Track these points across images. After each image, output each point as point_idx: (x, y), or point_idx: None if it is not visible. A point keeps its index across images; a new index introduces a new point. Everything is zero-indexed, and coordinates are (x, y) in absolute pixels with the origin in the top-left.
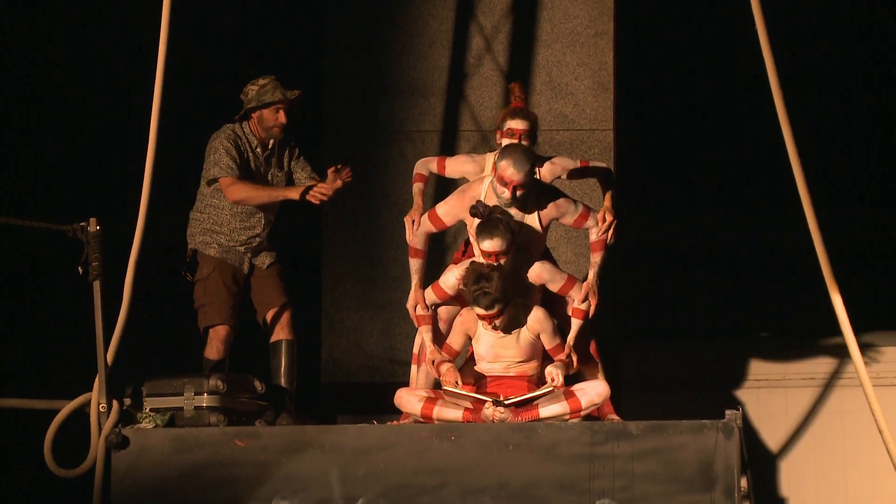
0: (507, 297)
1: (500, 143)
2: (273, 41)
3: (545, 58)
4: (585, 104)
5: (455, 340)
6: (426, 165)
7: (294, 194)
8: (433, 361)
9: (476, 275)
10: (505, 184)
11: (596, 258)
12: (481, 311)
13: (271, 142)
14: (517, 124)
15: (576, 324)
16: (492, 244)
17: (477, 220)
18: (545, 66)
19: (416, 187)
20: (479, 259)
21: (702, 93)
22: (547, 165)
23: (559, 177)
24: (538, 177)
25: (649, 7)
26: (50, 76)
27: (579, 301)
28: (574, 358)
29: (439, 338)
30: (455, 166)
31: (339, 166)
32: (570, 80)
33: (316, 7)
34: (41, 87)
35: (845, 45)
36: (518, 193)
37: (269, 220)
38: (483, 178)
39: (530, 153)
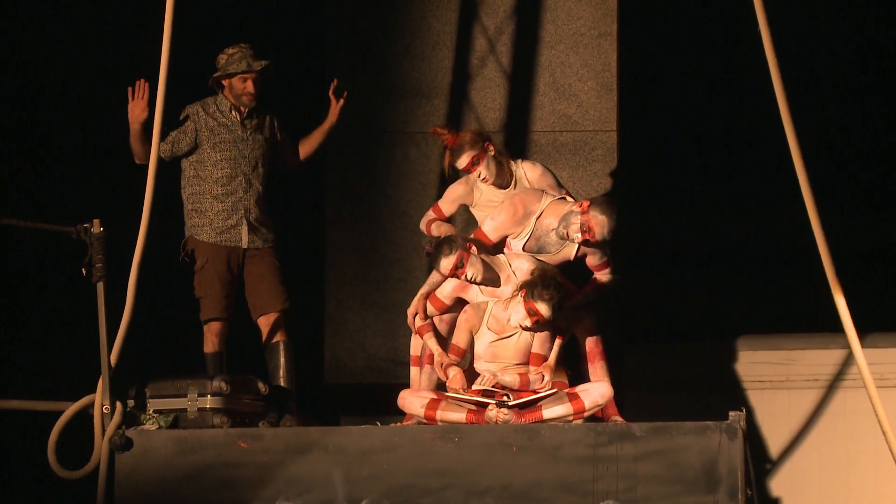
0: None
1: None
2: (275, 42)
3: (549, 59)
4: (589, 105)
5: (461, 339)
6: (427, 224)
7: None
8: (441, 364)
9: (556, 282)
10: (585, 230)
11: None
12: (543, 309)
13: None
14: (461, 163)
15: (558, 344)
16: (446, 262)
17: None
18: (549, 67)
19: (426, 339)
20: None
21: (705, 94)
22: (538, 175)
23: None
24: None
25: (653, 8)
26: (52, 76)
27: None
28: (548, 377)
29: (441, 340)
30: (448, 201)
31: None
32: (574, 82)
33: (318, 7)
34: (43, 87)
35: (849, 46)
36: (585, 241)
37: (251, 184)
38: (542, 194)
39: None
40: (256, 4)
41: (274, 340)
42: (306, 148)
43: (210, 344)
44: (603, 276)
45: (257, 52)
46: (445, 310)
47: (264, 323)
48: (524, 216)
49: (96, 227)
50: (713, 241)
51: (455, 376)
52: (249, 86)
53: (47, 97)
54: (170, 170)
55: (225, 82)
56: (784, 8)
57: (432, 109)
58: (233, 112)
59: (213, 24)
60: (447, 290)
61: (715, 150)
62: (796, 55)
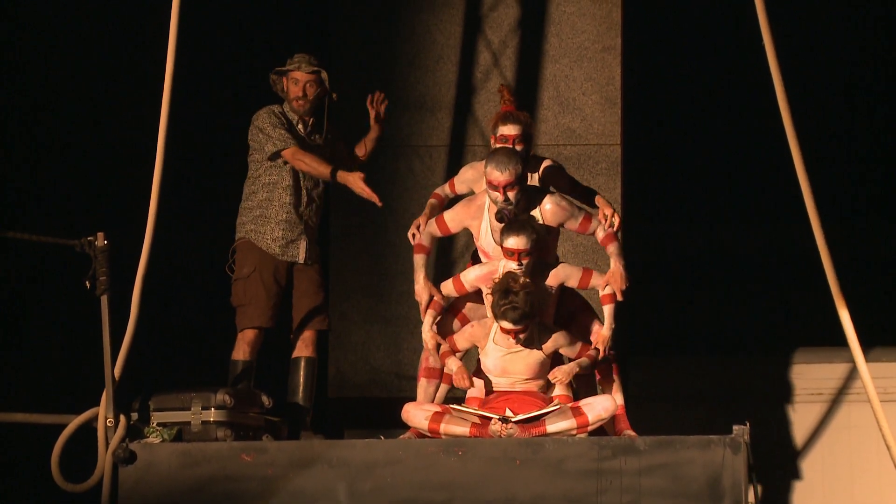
0: (533, 312)
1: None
2: (279, 57)
3: (553, 73)
4: (593, 119)
5: (461, 341)
6: (442, 189)
7: (354, 181)
8: (438, 348)
9: (504, 289)
10: (494, 188)
11: (612, 249)
12: (508, 326)
13: (311, 120)
14: (508, 129)
15: (609, 310)
16: (517, 241)
17: (499, 223)
18: (553, 80)
19: (430, 202)
20: (494, 265)
21: (709, 107)
22: (549, 171)
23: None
24: (536, 180)
25: (657, 22)
26: (55, 86)
27: (610, 286)
28: (602, 348)
29: (445, 330)
30: (460, 180)
31: (374, 97)
32: (578, 95)
33: (322, 21)
34: (47, 97)
35: (854, 57)
36: (510, 195)
37: (311, 198)
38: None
39: (513, 152)
40: (259, 18)
41: (301, 355)
42: (362, 152)
43: (241, 352)
44: (599, 230)
45: (318, 63)
46: (463, 294)
47: (297, 337)
48: (478, 208)
49: (100, 241)
50: (717, 253)
51: (459, 370)
52: (298, 89)
53: (51, 106)
54: (173, 179)
55: (285, 90)
56: (787, 18)
57: (436, 123)
58: (298, 125)
59: (216, 39)
60: (471, 277)
61: (718, 162)
62: (799, 65)
